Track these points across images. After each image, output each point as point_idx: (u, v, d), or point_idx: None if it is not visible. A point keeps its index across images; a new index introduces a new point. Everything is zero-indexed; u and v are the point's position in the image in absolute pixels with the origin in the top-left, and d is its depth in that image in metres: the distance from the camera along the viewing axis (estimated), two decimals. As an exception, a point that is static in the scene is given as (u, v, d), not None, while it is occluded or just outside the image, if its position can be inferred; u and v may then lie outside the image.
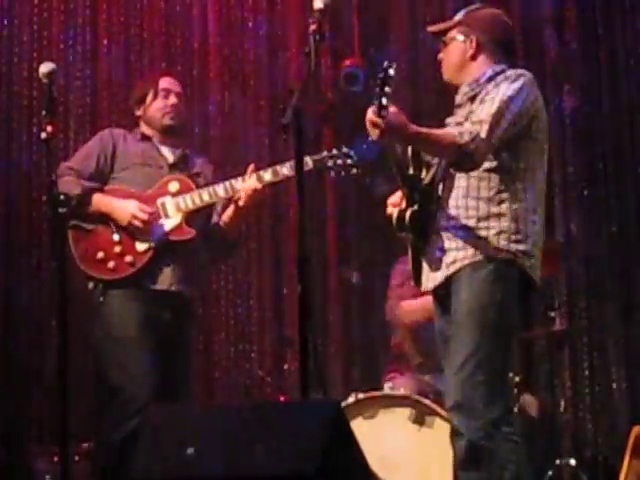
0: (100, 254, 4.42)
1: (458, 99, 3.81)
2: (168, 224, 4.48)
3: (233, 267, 6.39)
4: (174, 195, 4.52)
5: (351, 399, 4.73)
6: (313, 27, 3.41)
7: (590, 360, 6.20)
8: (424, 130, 3.52)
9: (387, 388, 4.97)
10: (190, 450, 2.99)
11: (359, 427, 4.30)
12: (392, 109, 3.40)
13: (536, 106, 3.69)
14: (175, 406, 3.60)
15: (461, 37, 3.80)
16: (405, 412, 4.65)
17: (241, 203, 4.47)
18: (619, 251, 6.28)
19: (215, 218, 4.66)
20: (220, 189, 4.50)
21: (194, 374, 6.12)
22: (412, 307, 5.27)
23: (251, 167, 4.49)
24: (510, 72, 3.71)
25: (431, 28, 3.95)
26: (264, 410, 3.17)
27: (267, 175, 4.47)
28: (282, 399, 5.28)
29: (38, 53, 6.24)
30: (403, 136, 3.50)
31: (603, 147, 6.37)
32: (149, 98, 4.68)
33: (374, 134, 3.43)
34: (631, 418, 5.75)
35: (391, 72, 3.35)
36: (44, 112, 3.88)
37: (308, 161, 4.42)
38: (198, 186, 4.58)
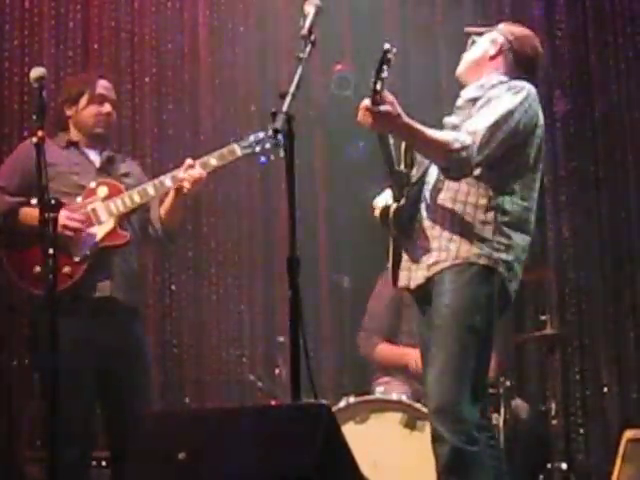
0: (37, 268, 4.26)
1: (459, 101, 3.81)
2: (101, 230, 4.41)
3: (224, 271, 6.38)
4: (104, 199, 4.45)
5: (342, 403, 4.74)
6: (304, 32, 3.41)
7: (581, 364, 6.21)
8: (418, 126, 3.51)
9: (378, 392, 4.97)
10: (182, 455, 2.99)
11: (350, 431, 4.31)
12: (389, 98, 3.40)
13: (535, 121, 3.68)
14: (166, 411, 3.59)
15: (491, 37, 3.86)
16: (396, 416, 4.66)
17: (185, 191, 4.46)
18: (610, 255, 6.29)
19: (152, 215, 4.62)
20: (150, 188, 4.47)
21: (185, 378, 6.17)
22: (390, 357, 5.33)
23: (188, 161, 4.47)
24: (514, 83, 3.70)
25: (469, 29, 3.98)
26: (255, 414, 3.17)
27: (213, 160, 4.47)
28: (273, 403, 5.27)
29: (29, 58, 6.22)
30: (396, 127, 3.47)
31: (594, 150, 6.38)
32: (83, 101, 4.59)
33: (366, 122, 3.42)
34: (622, 422, 5.76)
35: (389, 56, 3.34)
36: (34, 117, 3.86)
37: (236, 149, 4.46)
38: (127, 187, 4.53)
